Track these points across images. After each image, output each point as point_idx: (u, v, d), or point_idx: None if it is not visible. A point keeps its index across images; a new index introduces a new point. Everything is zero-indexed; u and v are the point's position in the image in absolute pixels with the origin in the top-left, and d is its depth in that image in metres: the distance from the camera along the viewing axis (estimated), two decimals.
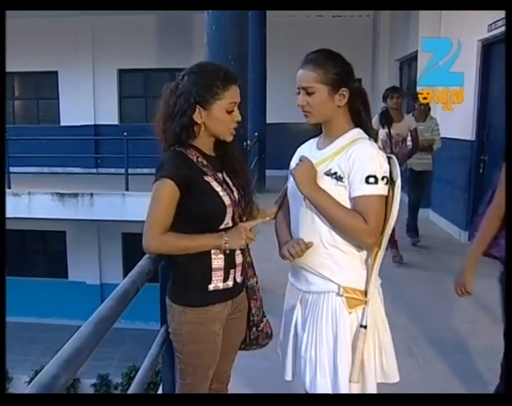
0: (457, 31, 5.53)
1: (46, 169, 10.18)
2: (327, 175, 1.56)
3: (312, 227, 1.59)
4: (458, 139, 5.90)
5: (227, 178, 1.68)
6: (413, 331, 3.38)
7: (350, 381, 1.54)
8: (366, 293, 1.56)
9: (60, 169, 10.21)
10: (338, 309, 1.55)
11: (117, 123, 11.80)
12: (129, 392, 1.54)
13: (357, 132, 1.61)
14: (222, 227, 1.61)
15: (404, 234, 5.45)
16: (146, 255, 1.60)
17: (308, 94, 1.58)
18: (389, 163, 1.56)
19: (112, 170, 9.77)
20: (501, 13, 4.20)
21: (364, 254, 1.58)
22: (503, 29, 4.42)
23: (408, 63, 8.50)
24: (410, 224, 5.53)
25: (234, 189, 1.67)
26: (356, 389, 1.55)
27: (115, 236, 11.53)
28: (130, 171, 8.42)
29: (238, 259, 1.67)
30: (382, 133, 4.84)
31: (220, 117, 1.60)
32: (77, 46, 11.50)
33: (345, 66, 1.60)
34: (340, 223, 1.53)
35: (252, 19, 6.43)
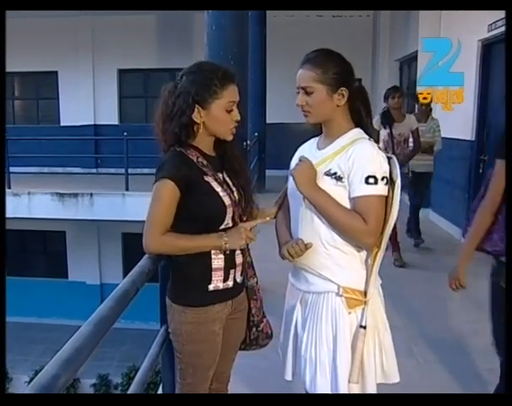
0: (457, 31, 5.54)
1: (45, 169, 10.18)
2: (327, 175, 1.55)
3: (311, 228, 1.58)
4: (458, 139, 5.90)
5: (227, 178, 1.68)
6: (413, 331, 3.38)
7: (349, 382, 1.54)
8: (365, 294, 1.56)
9: (60, 169, 10.21)
10: (337, 310, 1.55)
11: (116, 123, 11.80)
12: (129, 392, 1.54)
13: (357, 132, 1.60)
14: (222, 227, 1.61)
15: (404, 235, 5.45)
16: (146, 255, 1.60)
17: (307, 93, 1.57)
18: (389, 163, 1.56)
19: (112, 170, 9.77)
20: (501, 13, 4.20)
21: (364, 254, 1.58)
22: (503, 29, 4.43)
23: (408, 63, 8.50)
24: (412, 226, 5.49)
25: (234, 189, 1.67)
26: (355, 389, 1.55)
27: (115, 236, 11.53)
28: (130, 171, 8.42)
29: (238, 259, 1.67)
30: (383, 133, 4.79)
31: (219, 117, 1.60)
32: (77, 46, 11.49)
33: (345, 65, 1.59)
34: (340, 223, 1.53)
35: (252, 19, 6.43)
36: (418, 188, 5.32)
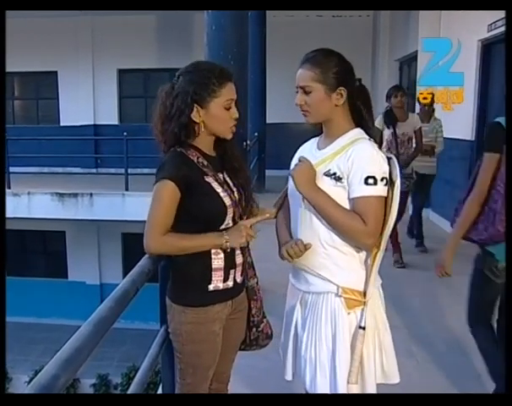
0: (457, 31, 5.54)
1: (45, 169, 10.18)
2: (326, 175, 1.55)
3: (311, 228, 1.58)
4: (458, 139, 5.89)
5: (228, 179, 1.67)
6: (413, 331, 3.38)
7: (348, 382, 1.54)
8: (365, 294, 1.56)
9: (60, 169, 10.21)
10: (337, 310, 1.55)
11: (116, 123, 11.80)
12: (129, 392, 1.54)
13: (358, 132, 1.60)
14: (223, 227, 1.61)
15: (405, 235, 5.45)
16: (146, 255, 1.60)
17: (306, 93, 1.57)
18: (389, 164, 1.55)
19: (112, 170, 9.78)
20: (501, 13, 4.21)
21: (363, 254, 1.58)
22: (503, 29, 4.43)
23: (408, 63, 8.50)
24: (415, 228, 5.42)
25: (234, 188, 1.67)
26: (355, 390, 1.55)
27: (115, 236, 11.53)
28: (130, 171, 8.42)
29: (238, 259, 1.67)
30: (387, 133, 4.65)
31: (218, 115, 1.60)
32: (77, 46, 11.49)
33: (344, 65, 1.58)
34: (339, 224, 1.53)
35: (252, 19, 6.44)
36: (420, 189, 5.22)
